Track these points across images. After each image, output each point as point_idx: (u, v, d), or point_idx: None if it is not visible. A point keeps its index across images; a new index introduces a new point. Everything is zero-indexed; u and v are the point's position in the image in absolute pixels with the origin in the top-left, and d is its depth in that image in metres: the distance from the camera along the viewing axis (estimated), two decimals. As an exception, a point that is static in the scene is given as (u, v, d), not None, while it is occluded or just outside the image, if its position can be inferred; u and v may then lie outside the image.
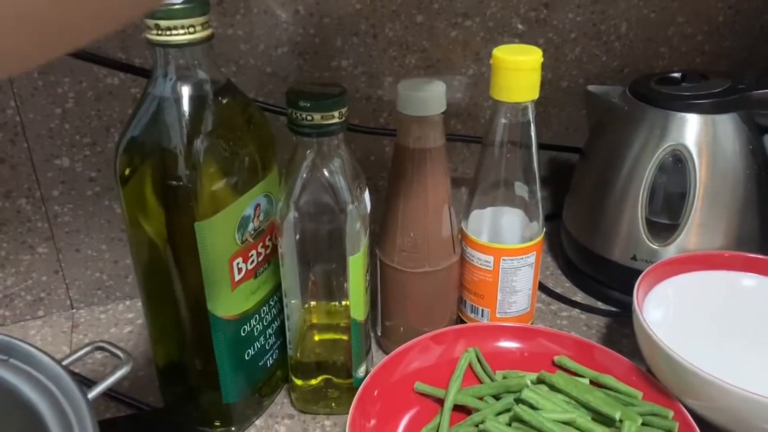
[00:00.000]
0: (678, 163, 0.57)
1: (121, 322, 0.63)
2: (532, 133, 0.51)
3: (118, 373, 0.35)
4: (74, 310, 0.65)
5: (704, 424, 0.46)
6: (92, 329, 0.62)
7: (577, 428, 0.45)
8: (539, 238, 0.54)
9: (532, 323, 0.58)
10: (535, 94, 0.50)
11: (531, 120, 0.51)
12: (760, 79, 0.59)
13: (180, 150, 0.41)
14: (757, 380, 0.45)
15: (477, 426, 0.46)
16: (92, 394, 0.34)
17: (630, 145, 0.59)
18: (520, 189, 0.53)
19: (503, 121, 0.51)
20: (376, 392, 0.48)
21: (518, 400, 0.47)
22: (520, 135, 0.51)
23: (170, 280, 0.45)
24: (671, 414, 0.46)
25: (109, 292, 0.66)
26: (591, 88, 0.65)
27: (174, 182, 0.41)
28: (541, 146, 0.74)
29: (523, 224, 0.54)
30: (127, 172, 0.43)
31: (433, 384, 0.50)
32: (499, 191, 0.53)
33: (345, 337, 0.50)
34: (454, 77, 0.68)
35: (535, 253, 0.54)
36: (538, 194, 0.53)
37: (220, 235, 0.43)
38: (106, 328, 0.63)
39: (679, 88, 0.60)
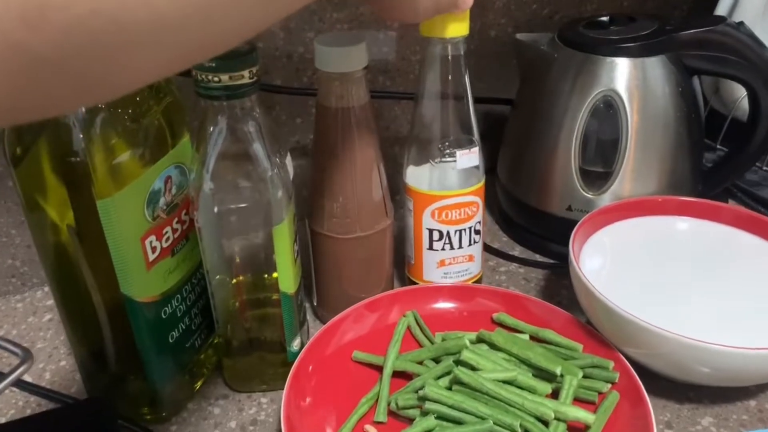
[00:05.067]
0: (609, 108, 0.56)
1: (40, 310, 0.59)
2: (466, 77, 0.49)
3: (15, 373, 0.31)
4: (-13, 301, 0.60)
5: (644, 371, 0.46)
6: (8, 320, 0.58)
7: (518, 386, 0.44)
8: (480, 184, 0.52)
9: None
10: (465, 30, 0.47)
11: (463, 61, 0.48)
12: (686, 19, 0.58)
13: (74, 122, 0.37)
14: (694, 324, 0.44)
15: (417, 392, 0.45)
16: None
17: (561, 93, 0.58)
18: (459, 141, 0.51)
19: (435, 61, 0.48)
20: (310, 368, 0.46)
21: (457, 362, 0.46)
22: (453, 77, 0.49)
23: (79, 266, 0.41)
24: (612, 365, 0.46)
25: (24, 279, 0.61)
26: (520, 36, 0.63)
27: (72, 158, 0.37)
28: (474, 100, 0.72)
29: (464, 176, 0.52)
30: (18, 151, 0.39)
31: (372, 352, 0.49)
32: (435, 145, 0.51)
33: (277, 311, 0.47)
34: (379, 31, 0.64)
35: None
36: (477, 143, 0.51)
37: (127, 213, 0.39)
38: (23, 317, 0.59)
39: (607, 32, 0.58)
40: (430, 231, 0.52)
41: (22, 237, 0.59)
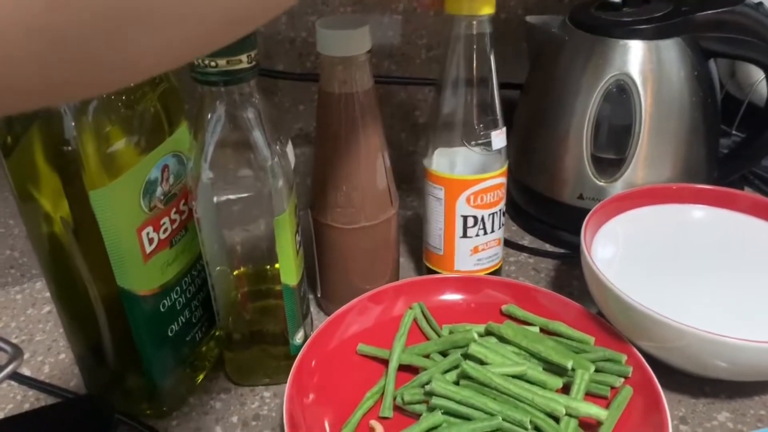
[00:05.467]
0: (622, 93, 0.54)
1: (39, 302, 0.58)
2: (492, 56, 0.48)
3: (4, 372, 0.30)
4: (-14, 293, 0.59)
5: (659, 365, 0.44)
6: (6, 311, 0.57)
7: (528, 381, 0.43)
8: (507, 164, 0.51)
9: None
10: (492, 8, 0.46)
11: (489, 39, 0.47)
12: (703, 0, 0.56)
13: (65, 110, 0.35)
14: (710, 316, 0.43)
15: (423, 387, 0.43)
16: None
17: (572, 77, 0.56)
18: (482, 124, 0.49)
19: (461, 40, 0.47)
20: (313, 362, 0.44)
21: (465, 356, 0.44)
22: (481, 57, 0.47)
23: (74, 258, 0.40)
24: (624, 358, 0.45)
25: (23, 270, 0.60)
26: (530, 18, 0.61)
27: (64, 147, 0.36)
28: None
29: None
30: (8, 140, 0.37)
31: (377, 345, 0.47)
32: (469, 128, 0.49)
33: (279, 303, 0.46)
34: (384, 15, 0.63)
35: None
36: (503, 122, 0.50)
37: (122, 204, 0.38)
38: (22, 309, 0.58)
39: (620, 14, 0.56)
40: (465, 218, 0.51)
41: (21, 227, 0.58)
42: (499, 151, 0.50)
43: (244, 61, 0.38)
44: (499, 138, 0.49)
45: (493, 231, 0.52)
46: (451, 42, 0.47)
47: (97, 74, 0.17)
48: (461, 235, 0.52)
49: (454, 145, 0.49)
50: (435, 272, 0.55)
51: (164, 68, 0.19)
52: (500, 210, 0.52)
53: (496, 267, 0.55)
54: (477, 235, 0.52)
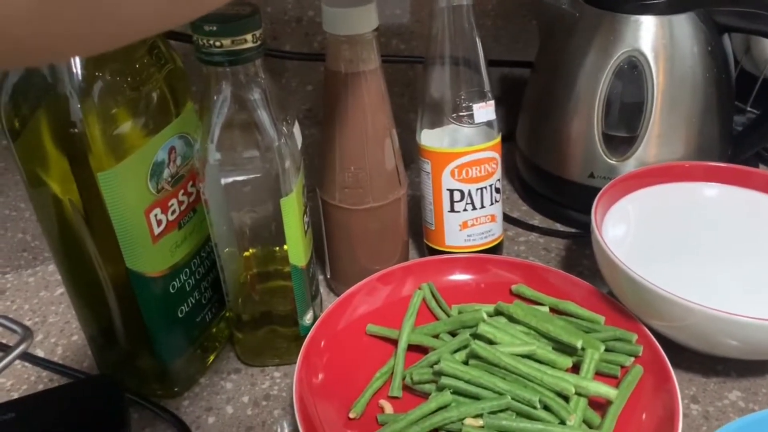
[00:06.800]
0: (634, 70, 0.53)
1: (52, 284, 0.59)
2: (475, 30, 0.48)
3: (12, 354, 0.30)
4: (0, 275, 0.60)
5: (668, 344, 0.44)
6: (20, 294, 0.58)
7: (538, 360, 0.43)
8: (497, 139, 0.51)
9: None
10: None
11: (469, 12, 0.47)
12: (717, -28, 0.55)
13: (71, 92, 0.35)
14: (722, 295, 0.43)
15: (432, 366, 0.43)
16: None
17: (583, 54, 0.55)
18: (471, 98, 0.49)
19: (442, 14, 0.47)
20: (322, 343, 0.45)
21: (474, 336, 0.44)
22: (461, 30, 0.47)
23: (84, 241, 0.40)
24: (635, 338, 0.44)
25: (35, 253, 0.61)
26: (540, -5, 0.60)
27: (70, 129, 0.36)
28: (491, 62, 0.69)
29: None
30: (16, 124, 0.37)
31: (386, 326, 0.47)
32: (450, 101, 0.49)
33: (288, 284, 0.46)
34: (392, -8, 0.62)
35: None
36: (491, 96, 0.49)
37: (130, 186, 0.38)
38: (35, 291, 0.58)
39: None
40: (451, 192, 0.51)
41: (32, 211, 0.58)
42: (488, 124, 0.50)
43: (249, 40, 0.37)
44: (482, 111, 0.48)
45: (483, 207, 0.51)
46: (434, 14, 0.47)
47: (89, 28, 0.17)
48: (449, 209, 0.51)
49: (442, 119, 0.49)
50: (431, 249, 0.54)
51: (159, 26, 0.18)
52: (491, 185, 0.51)
53: (491, 244, 0.54)
54: (465, 210, 0.51)
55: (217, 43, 0.37)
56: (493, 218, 0.53)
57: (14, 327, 0.32)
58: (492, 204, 0.52)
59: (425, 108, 0.50)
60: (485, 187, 0.51)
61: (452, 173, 0.50)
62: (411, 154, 0.55)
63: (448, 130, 0.50)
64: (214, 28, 0.36)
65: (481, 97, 0.48)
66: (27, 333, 0.32)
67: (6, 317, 0.34)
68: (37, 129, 0.37)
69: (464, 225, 0.52)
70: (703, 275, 0.46)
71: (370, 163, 0.48)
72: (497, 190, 0.52)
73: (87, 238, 0.40)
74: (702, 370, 0.46)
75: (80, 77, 0.35)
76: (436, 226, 0.53)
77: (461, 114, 0.48)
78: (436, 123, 0.50)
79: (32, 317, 0.55)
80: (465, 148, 0.49)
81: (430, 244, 0.55)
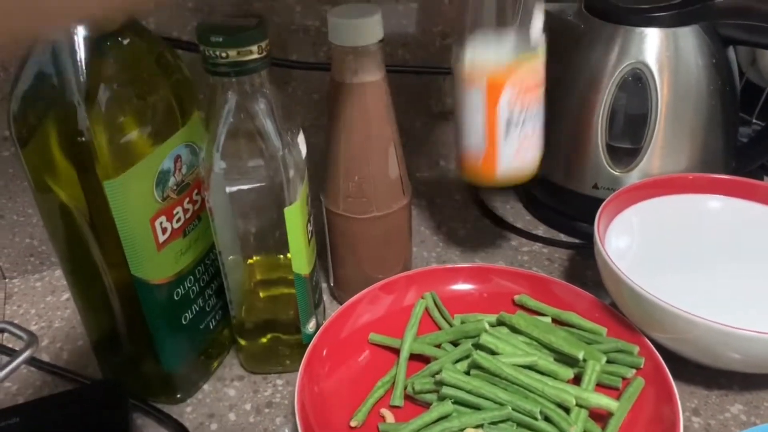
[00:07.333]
0: (638, 82, 0.54)
1: (58, 289, 0.59)
2: None
3: (19, 358, 0.31)
4: (7, 280, 0.60)
5: (670, 356, 0.44)
6: (26, 299, 0.58)
7: (539, 371, 0.43)
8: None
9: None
10: None
11: None
12: (722, -15, 0.55)
13: (78, 101, 0.36)
14: (724, 308, 0.43)
15: (434, 376, 0.44)
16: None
17: (587, 65, 0.55)
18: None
19: None
20: (324, 352, 0.45)
21: (476, 346, 0.44)
22: None
23: (89, 247, 0.41)
24: (637, 350, 0.44)
25: (42, 258, 0.61)
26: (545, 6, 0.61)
27: (77, 138, 0.37)
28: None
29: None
30: (24, 132, 0.38)
31: (388, 335, 0.48)
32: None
33: (291, 292, 0.46)
34: (398, 2, 0.62)
35: None
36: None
37: (136, 194, 0.38)
38: (41, 296, 0.59)
39: (637, 1, 0.55)
40: (510, 110, 0.47)
41: (39, 216, 0.59)
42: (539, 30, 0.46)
43: (254, 51, 0.38)
44: (538, 18, 0.46)
45: (535, 125, 0.48)
46: None
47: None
48: (504, 128, 0.47)
49: (492, 35, 0.46)
50: (479, 177, 0.50)
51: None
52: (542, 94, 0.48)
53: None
54: (523, 124, 0.48)
55: (224, 54, 0.37)
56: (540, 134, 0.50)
57: (20, 333, 0.33)
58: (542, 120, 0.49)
59: (474, 24, 0.46)
60: (538, 98, 0.48)
61: (513, 85, 0.46)
62: (415, 164, 0.55)
63: (507, 40, 0.46)
64: (221, 39, 0.37)
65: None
66: (32, 339, 0.32)
67: (12, 323, 0.34)
68: (45, 137, 0.38)
69: (523, 141, 0.49)
70: (706, 288, 0.46)
71: (374, 173, 0.48)
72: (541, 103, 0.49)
73: (93, 244, 0.40)
74: (704, 383, 0.46)
75: (87, 86, 0.36)
76: (488, 150, 0.48)
77: (523, 18, 0.45)
78: (491, 35, 0.46)
79: (38, 322, 0.56)
80: (528, 54, 0.46)
81: (479, 174, 0.50)
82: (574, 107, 0.57)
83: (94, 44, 0.36)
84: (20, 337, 0.33)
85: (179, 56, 0.42)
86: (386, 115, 0.48)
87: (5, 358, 0.36)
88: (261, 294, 0.47)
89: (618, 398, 0.42)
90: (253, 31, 0.38)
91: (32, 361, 0.50)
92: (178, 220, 0.42)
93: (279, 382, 0.48)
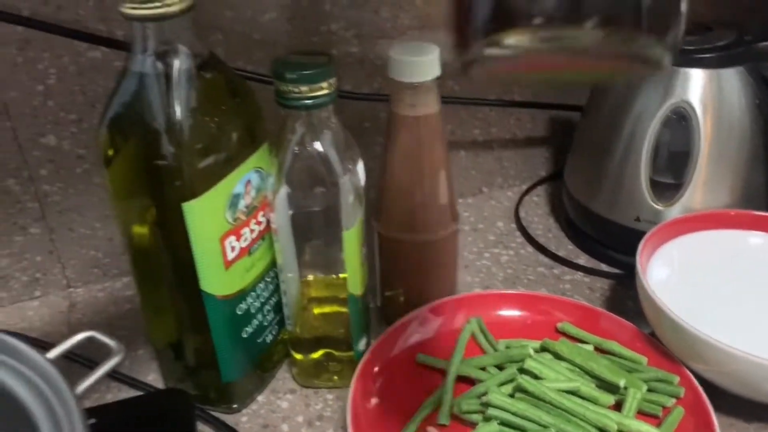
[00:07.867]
0: (682, 120, 0.55)
1: (120, 300, 0.63)
2: None
3: (107, 366, 0.34)
4: (71, 290, 0.64)
5: (711, 387, 0.45)
6: (90, 308, 0.62)
7: (581, 397, 0.45)
8: None
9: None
10: None
11: None
12: (766, 29, 0.56)
13: (163, 128, 0.39)
14: (764, 341, 0.44)
15: (480, 397, 0.46)
16: (80, 389, 0.33)
17: (632, 102, 0.57)
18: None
19: None
20: (376, 369, 0.47)
21: (521, 370, 0.46)
22: None
23: (162, 261, 0.44)
24: (677, 379, 0.46)
25: (105, 269, 0.65)
26: (591, 43, 0.63)
27: (159, 161, 0.40)
28: (540, 105, 0.72)
29: None
30: (110, 152, 0.41)
31: (436, 356, 0.50)
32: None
33: (345, 310, 0.49)
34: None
35: None
36: None
37: (210, 215, 0.41)
38: (104, 306, 0.62)
39: (683, 42, 0.57)
40: None
41: (105, 230, 0.63)
42: None
43: (324, 87, 0.41)
44: None
45: None
46: None
47: None
48: None
49: None
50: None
51: None
52: None
53: None
54: None
55: (296, 90, 0.40)
56: None
57: (107, 341, 0.36)
58: None
59: None
60: None
61: None
62: (457, 190, 0.57)
63: None
64: (295, 77, 0.40)
65: None
66: (119, 347, 0.35)
67: (100, 332, 0.37)
68: (129, 158, 0.41)
69: None
70: (746, 322, 0.47)
71: (425, 199, 0.51)
72: None
73: (165, 259, 0.44)
74: (743, 415, 0.47)
75: (173, 115, 0.39)
76: None
77: None
78: None
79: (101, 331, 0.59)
80: None
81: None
82: (618, 142, 0.58)
83: (179, 77, 0.39)
84: (107, 345, 0.36)
85: (251, 88, 0.45)
86: (439, 144, 0.50)
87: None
88: (315, 311, 0.50)
89: (658, 426, 0.44)
90: (324, 68, 0.41)
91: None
92: (245, 239, 0.45)
93: (329, 396, 0.51)
